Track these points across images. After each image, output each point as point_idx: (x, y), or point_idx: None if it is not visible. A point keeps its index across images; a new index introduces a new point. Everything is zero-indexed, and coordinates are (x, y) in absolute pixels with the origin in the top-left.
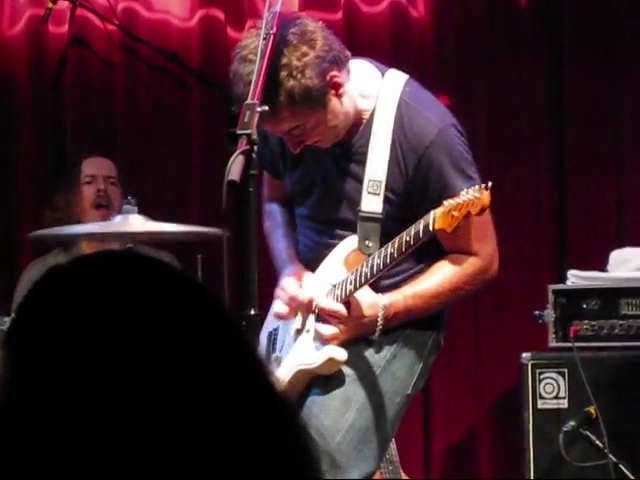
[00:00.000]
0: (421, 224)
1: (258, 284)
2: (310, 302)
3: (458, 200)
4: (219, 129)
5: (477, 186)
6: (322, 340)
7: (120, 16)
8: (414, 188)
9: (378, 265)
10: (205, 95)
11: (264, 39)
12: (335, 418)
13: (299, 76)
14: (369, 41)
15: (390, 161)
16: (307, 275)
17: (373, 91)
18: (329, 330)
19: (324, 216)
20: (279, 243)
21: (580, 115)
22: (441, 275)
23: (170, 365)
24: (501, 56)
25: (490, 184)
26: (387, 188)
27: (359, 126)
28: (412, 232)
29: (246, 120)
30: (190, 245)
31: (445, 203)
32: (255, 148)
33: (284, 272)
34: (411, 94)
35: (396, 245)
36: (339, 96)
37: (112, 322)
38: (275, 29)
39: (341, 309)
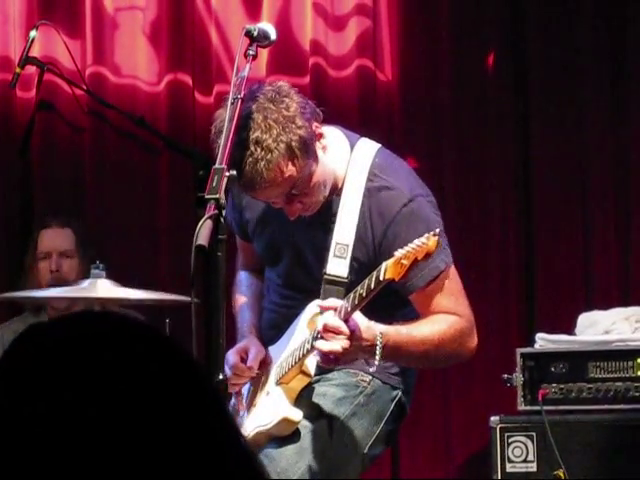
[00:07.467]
0: (373, 276)
1: (226, 349)
2: (250, 368)
3: (407, 248)
4: (187, 194)
5: (426, 234)
6: (320, 355)
7: (88, 81)
8: (380, 258)
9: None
10: (173, 159)
11: (232, 104)
12: (288, 466)
13: (293, 127)
14: (337, 105)
15: (358, 230)
16: (254, 347)
17: (344, 160)
18: (328, 345)
19: (292, 283)
20: (241, 315)
21: (547, 178)
22: (431, 325)
23: (144, 423)
24: (469, 119)
25: (438, 230)
26: (352, 257)
27: (332, 193)
28: (365, 285)
29: (214, 185)
30: (158, 309)
31: (396, 253)
32: (223, 212)
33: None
34: (381, 165)
35: (350, 299)
36: (324, 149)
37: (89, 379)
38: (243, 94)
39: (343, 326)
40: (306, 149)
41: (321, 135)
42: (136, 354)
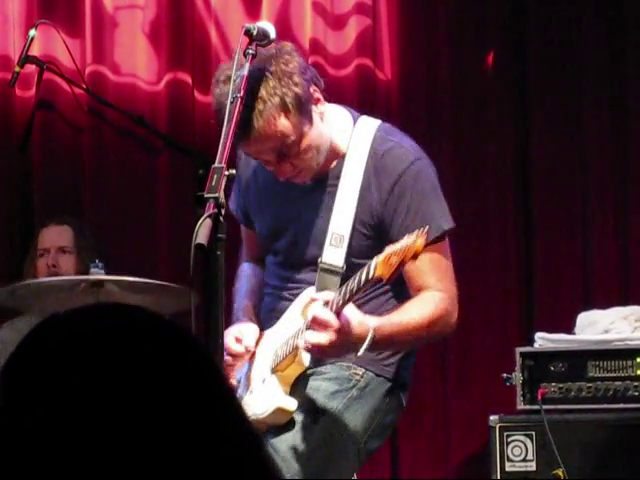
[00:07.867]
0: (364, 271)
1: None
2: (247, 348)
3: (398, 246)
4: (186, 192)
5: (416, 231)
6: (306, 346)
7: (88, 80)
8: (386, 215)
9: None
10: (172, 158)
11: (231, 103)
12: (281, 463)
13: (290, 83)
14: (336, 104)
15: (362, 192)
16: (246, 326)
17: (347, 131)
18: (315, 337)
19: (292, 261)
20: (237, 302)
21: (546, 177)
22: (421, 307)
23: (155, 408)
24: (467, 119)
25: (427, 228)
26: (358, 222)
27: (333, 161)
28: (356, 279)
29: (213, 184)
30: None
31: (386, 249)
32: (222, 211)
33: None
34: (384, 132)
35: (342, 293)
36: (320, 114)
37: (96, 375)
38: (242, 93)
39: (332, 319)
40: (300, 107)
41: (319, 100)
42: (146, 348)
